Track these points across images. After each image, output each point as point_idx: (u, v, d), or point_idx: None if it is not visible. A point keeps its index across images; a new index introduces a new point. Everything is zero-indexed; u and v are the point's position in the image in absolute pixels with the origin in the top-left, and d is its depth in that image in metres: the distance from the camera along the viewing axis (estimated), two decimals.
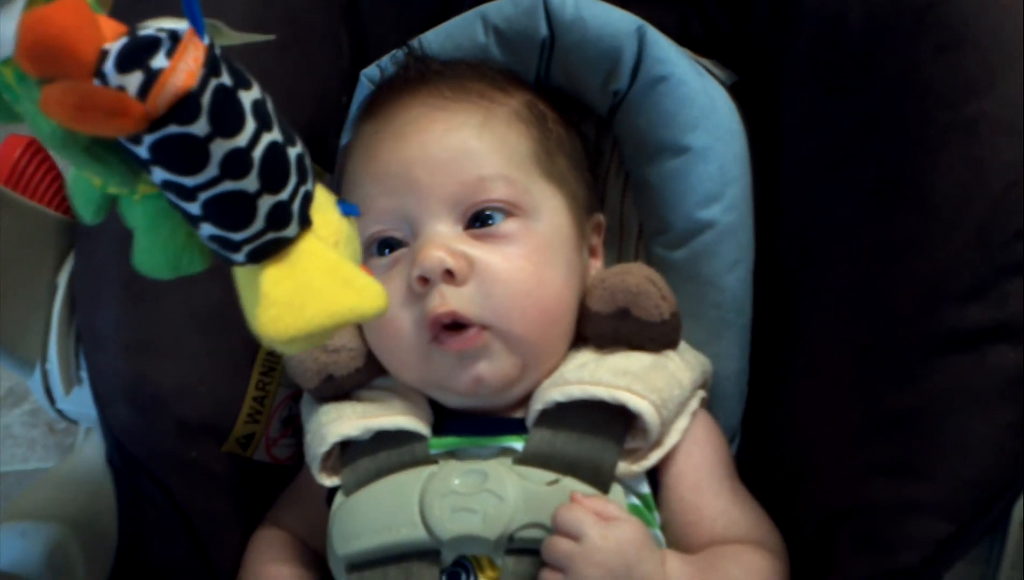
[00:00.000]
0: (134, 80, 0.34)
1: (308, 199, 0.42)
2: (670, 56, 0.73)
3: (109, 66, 0.34)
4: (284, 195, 0.40)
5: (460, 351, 0.63)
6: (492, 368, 0.64)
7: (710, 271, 0.73)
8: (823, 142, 0.66)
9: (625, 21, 0.73)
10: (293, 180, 0.40)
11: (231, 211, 0.39)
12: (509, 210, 0.65)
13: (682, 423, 0.65)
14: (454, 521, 0.59)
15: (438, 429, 0.67)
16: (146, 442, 0.69)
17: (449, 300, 0.62)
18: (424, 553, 0.60)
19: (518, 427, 0.65)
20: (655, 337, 0.66)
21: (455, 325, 0.63)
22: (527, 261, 0.64)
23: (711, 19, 0.78)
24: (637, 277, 0.66)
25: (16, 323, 0.68)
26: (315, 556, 0.71)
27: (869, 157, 0.61)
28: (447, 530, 0.59)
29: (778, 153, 0.72)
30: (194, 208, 0.38)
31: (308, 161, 0.42)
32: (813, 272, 0.68)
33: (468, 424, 0.67)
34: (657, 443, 0.64)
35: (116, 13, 0.37)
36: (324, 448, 0.66)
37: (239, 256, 0.40)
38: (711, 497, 0.65)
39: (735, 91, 0.77)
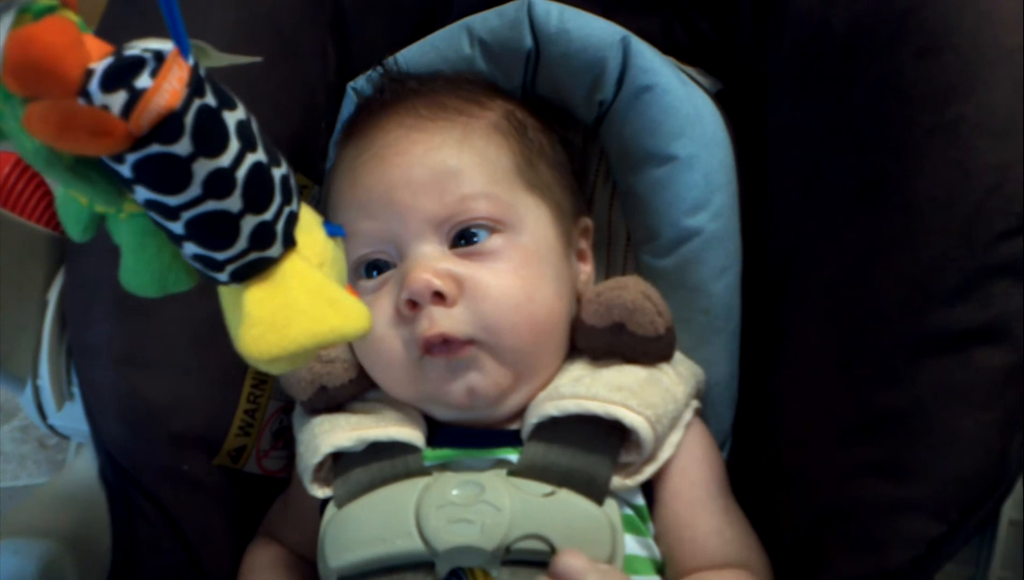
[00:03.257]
0: (118, 99, 0.34)
1: (293, 219, 0.42)
2: (654, 65, 0.73)
3: (94, 85, 0.34)
4: (268, 215, 0.40)
5: (448, 359, 0.63)
6: (483, 379, 0.64)
7: (698, 278, 0.73)
8: (807, 146, 0.67)
9: (609, 32, 0.73)
10: (277, 200, 0.40)
11: (214, 231, 0.39)
12: (493, 226, 0.65)
13: (676, 436, 0.65)
14: (451, 532, 0.59)
15: (432, 441, 0.67)
16: (138, 456, 0.69)
17: (438, 322, 0.62)
18: (418, 565, 0.60)
19: (513, 439, 0.65)
20: (650, 351, 0.66)
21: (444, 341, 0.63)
22: (515, 276, 0.65)
23: (695, 26, 0.78)
24: (633, 293, 0.65)
25: (7, 340, 0.68)
26: (312, 571, 0.70)
27: (853, 160, 0.62)
28: (444, 541, 0.59)
29: (764, 159, 0.73)
30: (177, 227, 0.38)
31: (293, 182, 0.42)
32: (799, 275, 0.68)
33: (462, 436, 0.67)
34: (651, 458, 0.63)
35: (102, 32, 0.37)
36: (317, 459, 0.65)
37: (223, 275, 0.40)
38: (706, 516, 0.65)
39: (720, 98, 0.77)
